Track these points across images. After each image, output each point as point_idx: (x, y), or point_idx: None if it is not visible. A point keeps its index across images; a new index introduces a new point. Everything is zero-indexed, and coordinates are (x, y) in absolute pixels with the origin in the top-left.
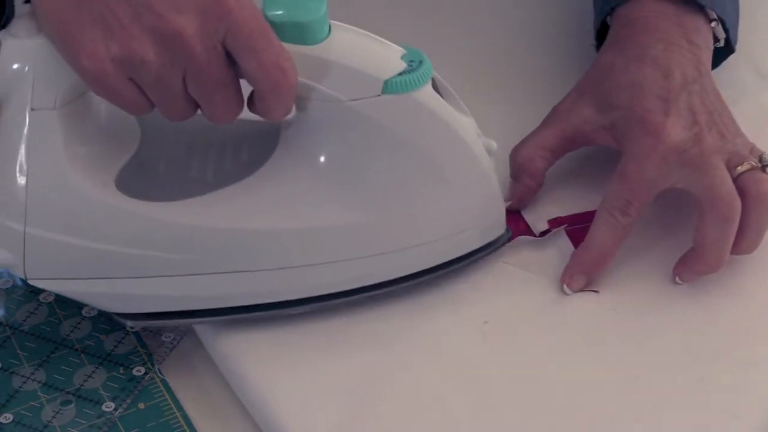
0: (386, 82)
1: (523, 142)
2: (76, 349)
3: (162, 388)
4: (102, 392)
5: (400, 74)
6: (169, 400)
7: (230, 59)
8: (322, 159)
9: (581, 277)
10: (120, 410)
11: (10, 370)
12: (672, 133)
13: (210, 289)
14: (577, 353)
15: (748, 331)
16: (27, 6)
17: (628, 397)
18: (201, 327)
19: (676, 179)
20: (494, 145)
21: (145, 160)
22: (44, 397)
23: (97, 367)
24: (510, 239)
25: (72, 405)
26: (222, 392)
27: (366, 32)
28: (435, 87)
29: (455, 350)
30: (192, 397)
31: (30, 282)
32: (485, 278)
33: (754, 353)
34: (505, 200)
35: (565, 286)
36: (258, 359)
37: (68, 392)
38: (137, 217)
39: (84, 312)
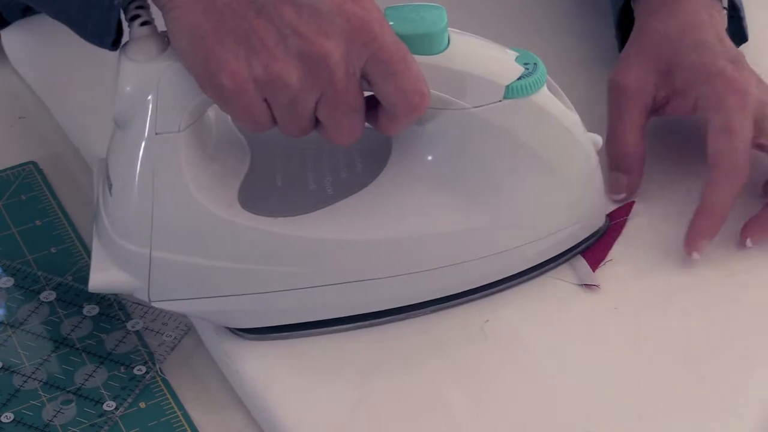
0: (508, 88)
1: (618, 130)
2: (77, 349)
3: (163, 387)
4: (103, 391)
5: (519, 79)
6: (170, 400)
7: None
8: (441, 165)
9: (706, 242)
10: (121, 409)
11: (11, 370)
12: (750, 89)
13: (335, 300)
14: (577, 352)
15: (748, 331)
16: (144, 29)
17: (628, 397)
18: (201, 326)
19: (758, 132)
20: (600, 140)
21: (261, 176)
22: (45, 396)
23: (98, 367)
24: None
25: (73, 404)
26: (222, 391)
27: (481, 38)
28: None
29: (456, 349)
30: (193, 396)
31: (154, 304)
32: None
33: (754, 353)
34: (614, 192)
35: (694, 254)
36: (258, 359)
37: (69, 391)
38: (264, 233)
39: (85, 311)
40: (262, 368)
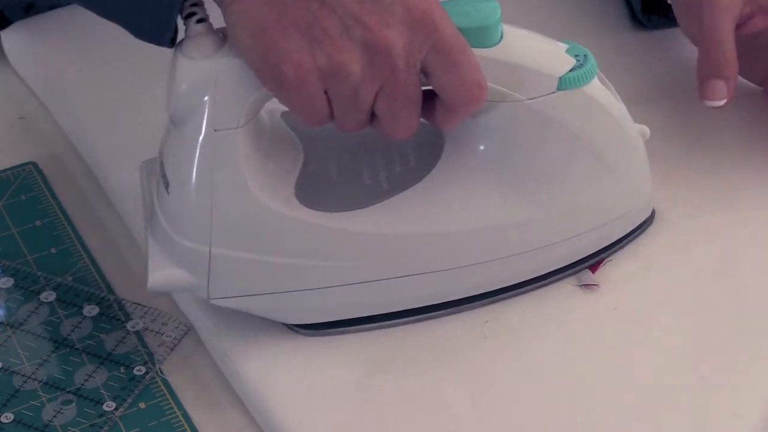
0: (561, 79)
1: (716, 39)
2: (77, 349)
3: (163, 387)
4: (103, 392)
5: (572, 70)
6: (170, 400)
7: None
8: (495, 158)
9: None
10: (121, 410)
11: (11, 370)
12: None
13: (394, 294)
14: (577, 352)
15: (747, 331)
16: (200, 26)
17: (629, 397)
18: (201, 326)
19: None
20: (647, 131)
21: (316, 172)
22: (45, 396)
23: (97, 367)
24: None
25: (73, 404)
26: (222, 391)
27: (531, 31)
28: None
29: (455, 349)
30: (193, 396)
31: (213, 302)
32: None
33: (754, 353)
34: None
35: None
36: (258, 359)
37: (69, 392)
38: (322, 228)
39: (85, 312)
40: (262, 368)
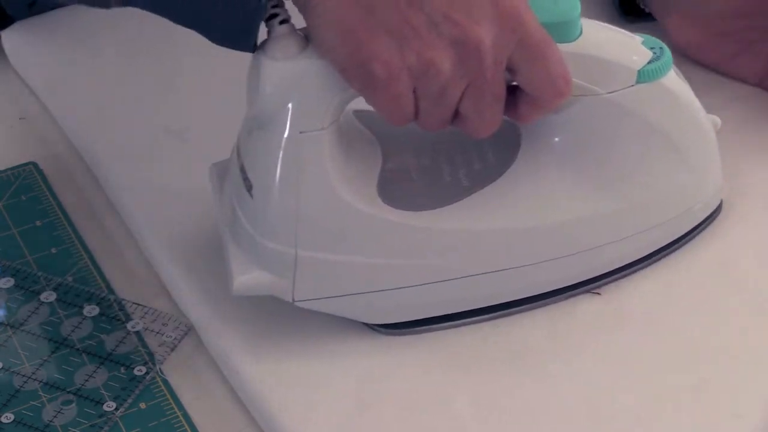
0: (640, 72)
1: None
2: (77, 349)
3: (163, 387)
4: (103, 392)
5: (650, 62)
6: (170, 400)
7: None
8: (574, 152)
9: None
10: (121, 410)
11: (11, 370)
12: None
13: (476, 290)
14: (577, 352)
15: (748, 332)
16: (283, 27)
17: (628, 397)
18: (201, 326)
19: None
20: (719, 121)
21: (396, 171)
22: (45, 396)
23: (98, 367)
24: None
25: (73, 405)
26: (223, 392)
27: (607, 24)
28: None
29: (458, 351)
30: (193, 396)
31: (297, 304)
32: None
33: (754, 353)
34: None
35: None
36: (258, 359)
37: (69, 392)
38: (407, 227)
39: (85, 312)
40: (262, 368)
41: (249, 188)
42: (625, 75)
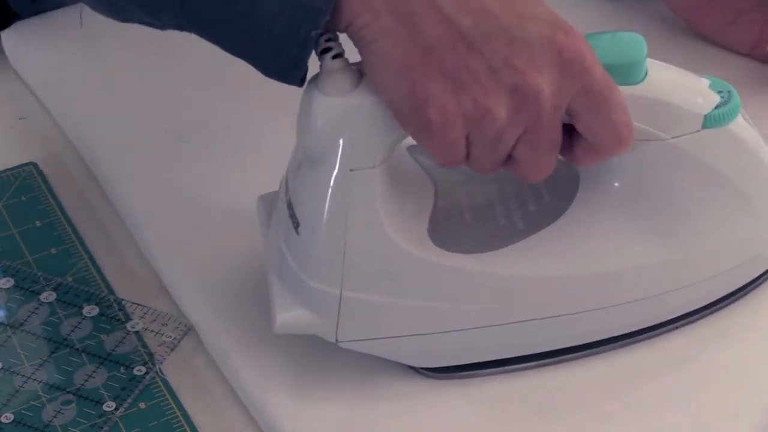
0: (706, 117)
1: None
2: (77, 349)
3: (163, 387)
4: (103, 392)
5: (717, 107)
6: (170, 400)
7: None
8: (634, 197)
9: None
10: (121, 410)
11: (11, 370)
12: None
13: (526, 336)
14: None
15: (748, 332)
16: (336, 62)
17: (628, 397)
18: (201, 327)
19: None
20: None
21: (448, 212)
22: (45, 396)
23: (98, 367)
24: None
25: (73, 404)
26: (223, 391)
27: (674, 66)
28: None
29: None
30: (193, 396)
31: (340, 344)
32: None
33: (754, 353)
34: None
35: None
36: (258, 359)
37: (69, 392)
38: (457, 270)
39: (85, 312)
40: (262, 368)
41: (296, 225)
42: (691, 120)
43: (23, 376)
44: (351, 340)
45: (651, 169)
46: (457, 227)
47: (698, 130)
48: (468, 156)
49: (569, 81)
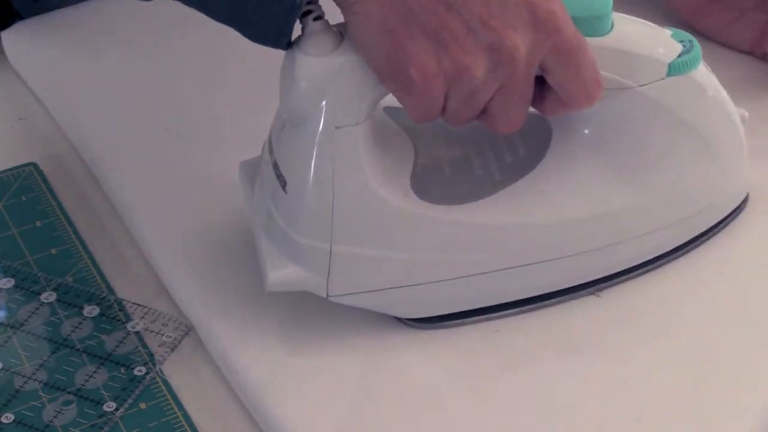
0: (670, 65)
1: None
2: (78, 349)
3: (163, 388)
4: (103, 392)
5: (680, 56)
6: (170, 400)
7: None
8: (604, 145)
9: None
10: (121, 410)
11: (12, 370)
12: None
13: (504, 285)
14: (576, 354)
15: (748, 332)
16: (317, 24)
17: (628, 397)
18: (201, 327)
19: None
20: (746, 114)
21: (429, 165)
22: (45, 397)
23: (98, 367)
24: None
25: (73, 405)
26: (223, 392)
27: (637, 18)
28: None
29: (456, 351)
30: (193, 396)
31: (331, 299)
32: None
33: (754, 353)
34: None
35: None
36: (258, 359)
37: (69, 392)
38: (441, 222)
39: (85, 312)
40: (261, 368)
41: (283, 185)
42: (656, 68)
43: (24, 376)
44: (341, 294)
45: (620, 117)
46: (438, 180)
47: (663, 78)
48: (444, 110)
49: (542, 39)
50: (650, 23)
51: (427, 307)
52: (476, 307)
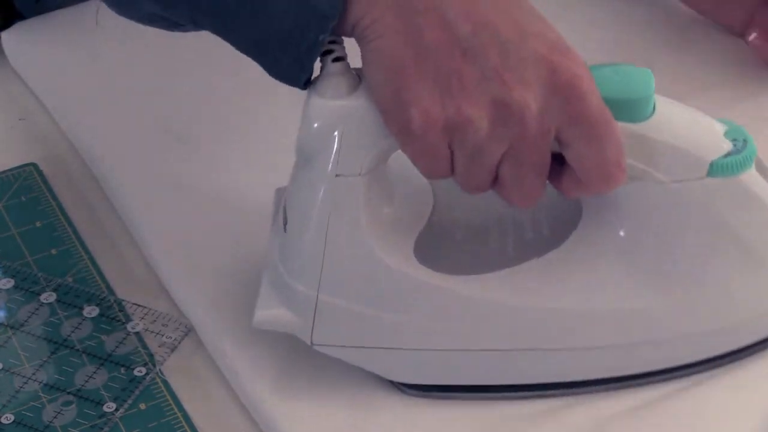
0: (712, 164)
1: None
2: (78, 350)
3: (163, 388)
4: (103, 392)
5: (726, 155)
6: (170, 401)
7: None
8: (633, 239)
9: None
10: (121, 411)
11: (12, 371)
12: None
13: (500, 365)
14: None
15: (748, 332)
16: (337, 65)
17: (629, 397)
18: (202, 327)
19: None
20: None
21: (441, 228)
22: (45, 397)
23: (98, 368)
24: None
25: (73, 405)
26: (223, 392)
27: (688, 107)
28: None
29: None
30: (193, 397)
31: (315, 347)
32: None
33: (754, 353)
34: None
35: None
36: (258, 359)
37: (69, 392)
38: (438, 290)
39: (85, 313)
40: (262, 369)
41: (285, 223)
42: (696, 165)
43: (23, 376)
44: (325, 345)
45: (651, 212)
46: (446, 246)
47: (703, 177)
48: (453, 170)
49: (560, 103)
50: (700, 113)
51: (414, 375)
52: (467, 383)
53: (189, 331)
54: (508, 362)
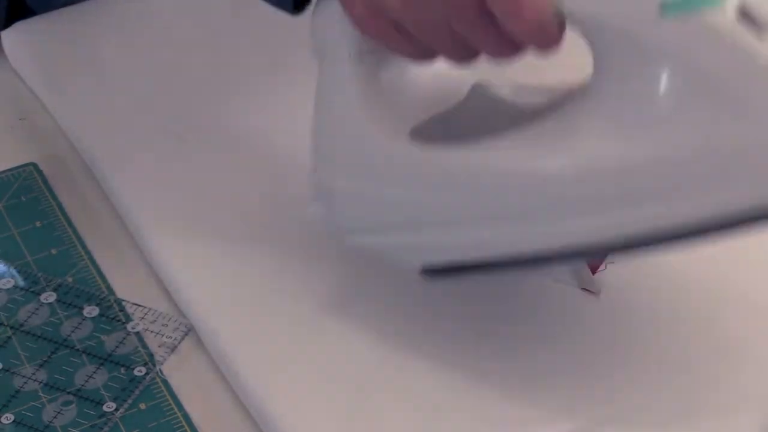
0: (663, 5)
1: None
2: (78, 350)
3: (163, 388)
4: (103, 392)
5: None
6: (170, 401)
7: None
8: (606, 95)
9: None
10: (121, 410)
11: (11, 371)
12: None
13: (503, 236)
14: (575, 354)
15: (747, 332)
16: None
17: (628, 397)
18: (202, 327)
19: None
20: None
21: (452, 122)
22: (45, 397)
23: (98, 368)
24: None
25: (73, 405)
26: (223, 392)
27: None
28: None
29: (452, 353)
30: (193, 397)
31: (341, 239)
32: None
33: (754, 353)
34: None
35: None
36: (258, 359)
37: (69, 392)
38: (425, 160)
39: (85, 313)
40: (262, 369)
41: None
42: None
43: (23, 376)
44: (346, 232)
45: (614, 63)
46: (439, 128)
47: (655, 20)
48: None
49: None
50: None
51: (424, 253)
52: (485, 255)
53: (189, 331)
54: (520, 229)
